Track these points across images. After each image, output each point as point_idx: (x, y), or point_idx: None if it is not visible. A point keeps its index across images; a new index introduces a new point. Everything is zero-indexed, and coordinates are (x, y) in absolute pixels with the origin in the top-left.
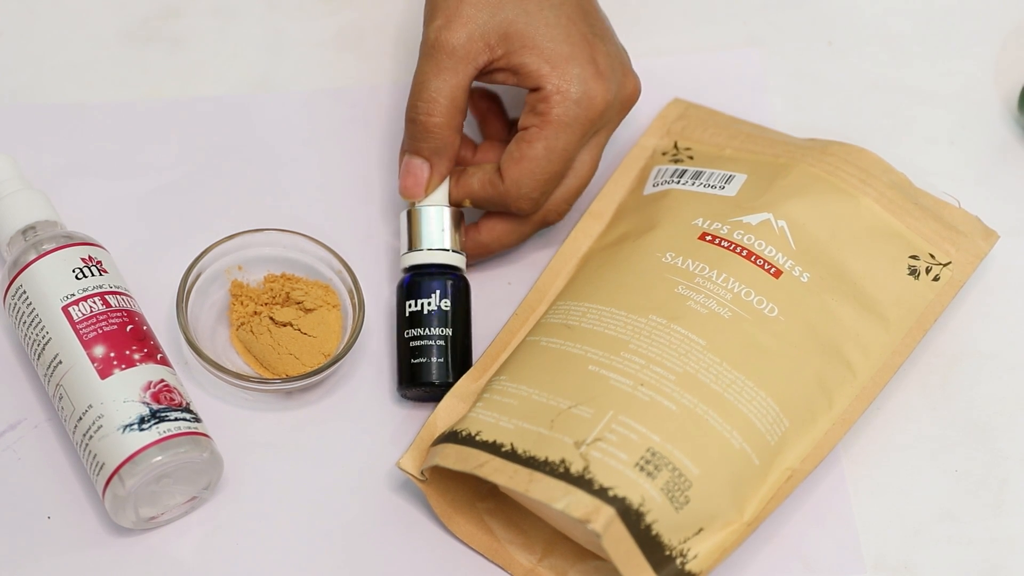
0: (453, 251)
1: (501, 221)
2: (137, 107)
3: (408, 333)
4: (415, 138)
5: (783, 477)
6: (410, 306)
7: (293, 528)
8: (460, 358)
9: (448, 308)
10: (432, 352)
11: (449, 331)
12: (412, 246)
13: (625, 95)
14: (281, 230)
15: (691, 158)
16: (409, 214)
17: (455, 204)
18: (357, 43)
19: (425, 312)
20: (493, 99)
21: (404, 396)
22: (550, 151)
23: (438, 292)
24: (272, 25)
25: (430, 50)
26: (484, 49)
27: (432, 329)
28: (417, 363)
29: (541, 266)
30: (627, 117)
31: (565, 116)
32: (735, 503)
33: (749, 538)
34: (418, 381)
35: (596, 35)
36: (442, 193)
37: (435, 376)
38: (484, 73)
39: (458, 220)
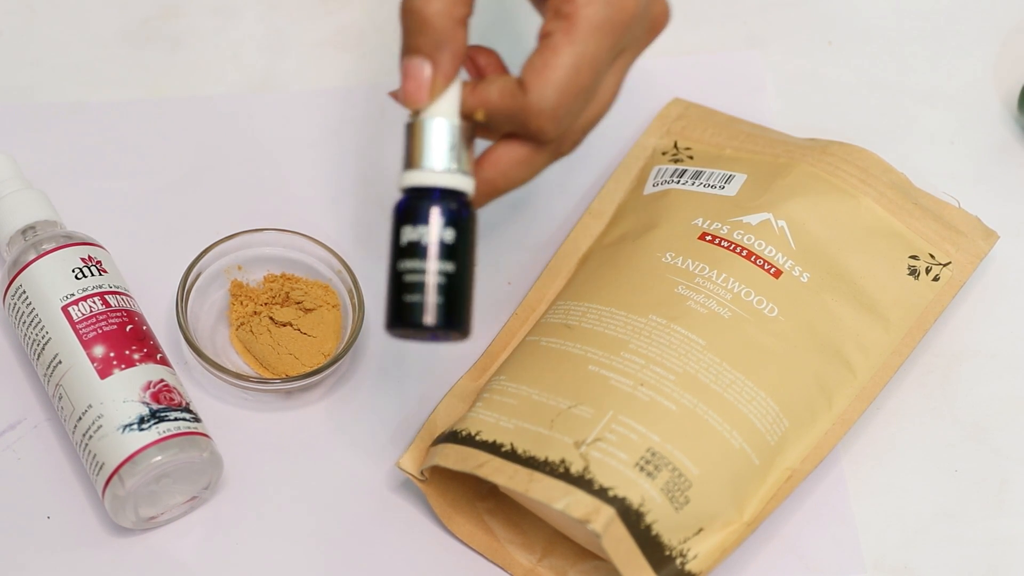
0: (461, 172)
1: (510, 149)
2: (137, 107)
3: (402, 265)
4: (412, 32)
5: (783, 477)
6: (406, 233)
7: (293, 528)
8: (462, 299)
9: (452, 240)
10: (429, 289)
11: (451, 266)
12: (412, 163)
13: (654, 13)
14: (281, 230)
15: (691, 158)
16: (410, 127)
17: (466, 116)
18: (357, 43)
19: (423, 243)
20: (491, 54)
21: (393, 336)
22: (579, 58)
23: (441, 219)
24: (272, 25)
25: None
26: None
27: (431, 262)
28: (411, 301)
29: (541, 266)
30: (626, 115)
31: (595, 17)
32: (735, 503)
33: (749, 538)
34: (409, 321)
35: None
36: (451, 104)
37: (429, 317)
38: None
39: (469, 136)
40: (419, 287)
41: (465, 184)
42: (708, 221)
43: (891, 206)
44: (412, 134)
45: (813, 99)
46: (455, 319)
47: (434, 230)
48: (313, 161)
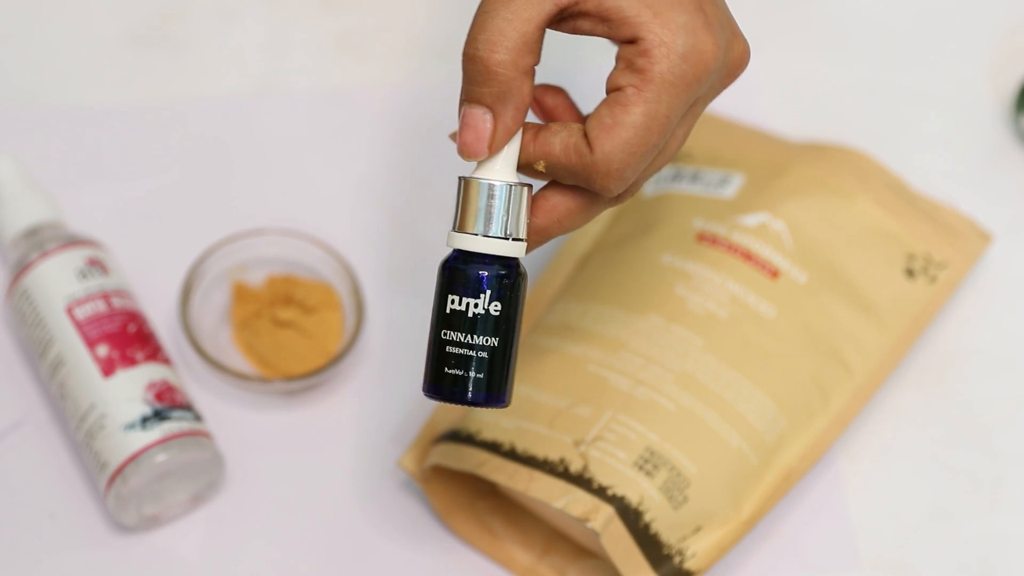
0: (514, 239)
1: (567, 199)
2: (140, 109)
3: (445, 334)
4: (474, 81)
5: (780, 476)
6: (452, 302)
7: (294, 527)
8: (503, 371)
9: (498, 312)
10: (469, 364)
11: (495, 340)
12: (465, 224)
13: (733, 58)
14: (283, 231)
15: (689, 160)
16: (466, 183)
17: (525, 165)
18: (358, 45)
19: (469, 314)
20: (559, 93)
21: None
22: (651, 118)
23: (488, 292)
24: (274, 27)
25: None
26: None
27: (474, 337)
28: (451, 374)
29: (541, 266)
30: None
31: (670, 74)
32: (733, 502)
33: (747, 536)
34: (446, 394)
35: None
36: (510, 157)
37: (468, 394)
38: (564, 19)
39: (528, 197)
40: (460, 360)
41: (519, 250)
42: (706, 223)
43: (888, 207)
44: (468, 192)
45: (809, 102)
46: (493, 395)
47: (480, 303)
48: (315, 163)
